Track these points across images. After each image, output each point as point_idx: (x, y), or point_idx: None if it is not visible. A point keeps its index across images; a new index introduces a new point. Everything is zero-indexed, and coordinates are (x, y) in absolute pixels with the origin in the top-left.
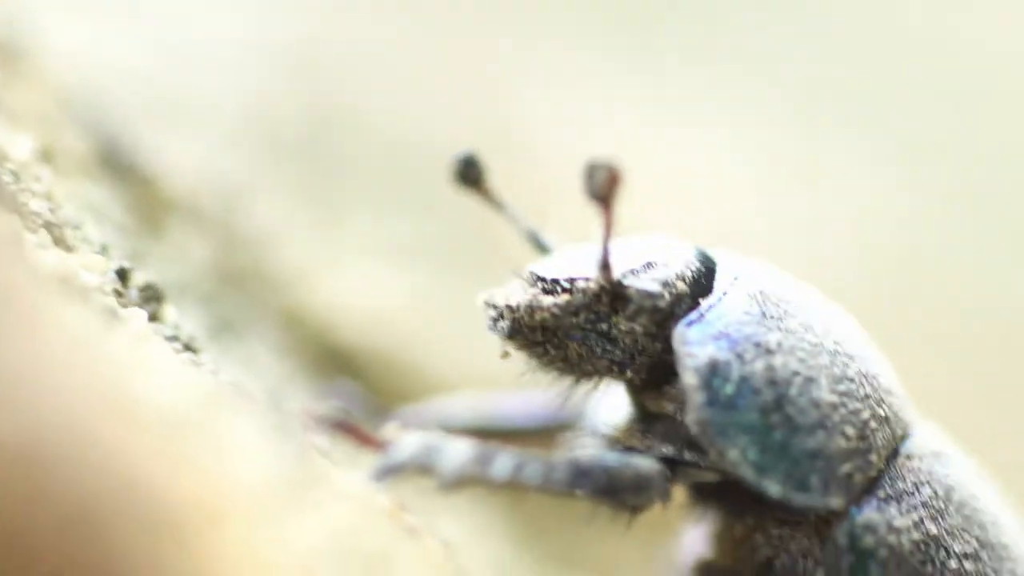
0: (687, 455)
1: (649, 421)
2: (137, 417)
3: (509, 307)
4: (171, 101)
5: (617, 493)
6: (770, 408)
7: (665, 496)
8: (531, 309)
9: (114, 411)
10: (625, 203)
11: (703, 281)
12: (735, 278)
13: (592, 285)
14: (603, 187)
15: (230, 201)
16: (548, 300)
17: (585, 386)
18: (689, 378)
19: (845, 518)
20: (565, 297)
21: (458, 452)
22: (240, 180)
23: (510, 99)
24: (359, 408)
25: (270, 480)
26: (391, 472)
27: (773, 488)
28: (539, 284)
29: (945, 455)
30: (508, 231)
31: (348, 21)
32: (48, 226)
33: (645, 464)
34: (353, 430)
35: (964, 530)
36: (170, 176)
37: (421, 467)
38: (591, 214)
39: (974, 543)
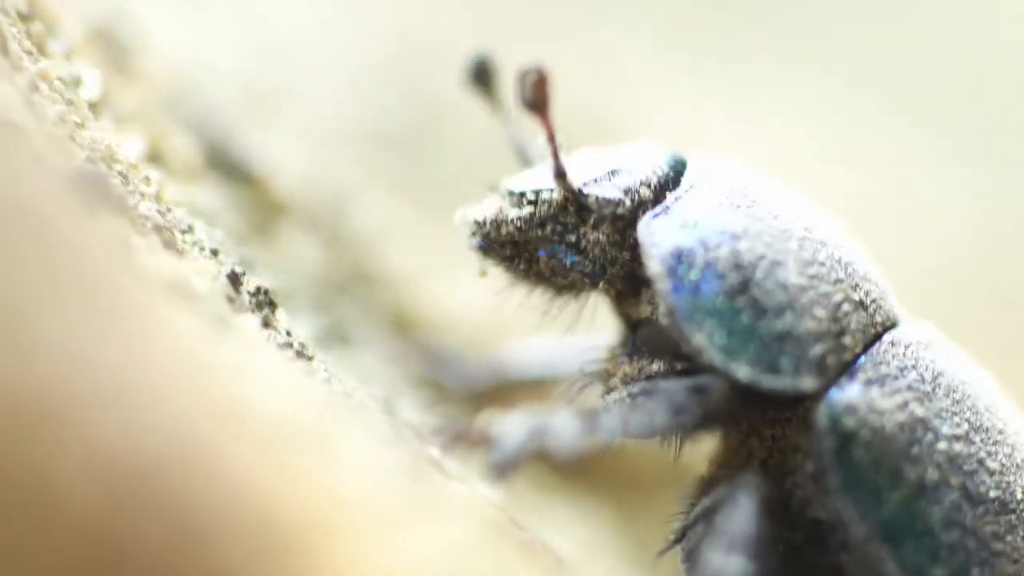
0: (678, 365)
1: (634, 336)
2: (249, 428)
3: (477, 222)
4: (274, 99)
5: (711, 419)
6: (736, 291)
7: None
8: (497, 223)
9: (226, 421)
10: None
11: (670, 183)
12: (702, 174)
13: (556, 196)
14: (533, 91)
15: (338, 201)
16: (514, 213)
17: (566, 302)
18: (655, 267)
19: (825, 400)
20: (529, 209)
21: (565, 425)
22: (347, 179)
23: (604, 89)
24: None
25: (383, 494)
26: (507, 466)
27: (742, 371)
28: (508, 198)
29: (934, 344)
30: None
31: (448, 13)
32: (158, 229)
33: (709, 379)
34: (463, 435)
35: (954, 413)
36: (277, 177)
37: (534, 452)
38: None
39: (965, 426)
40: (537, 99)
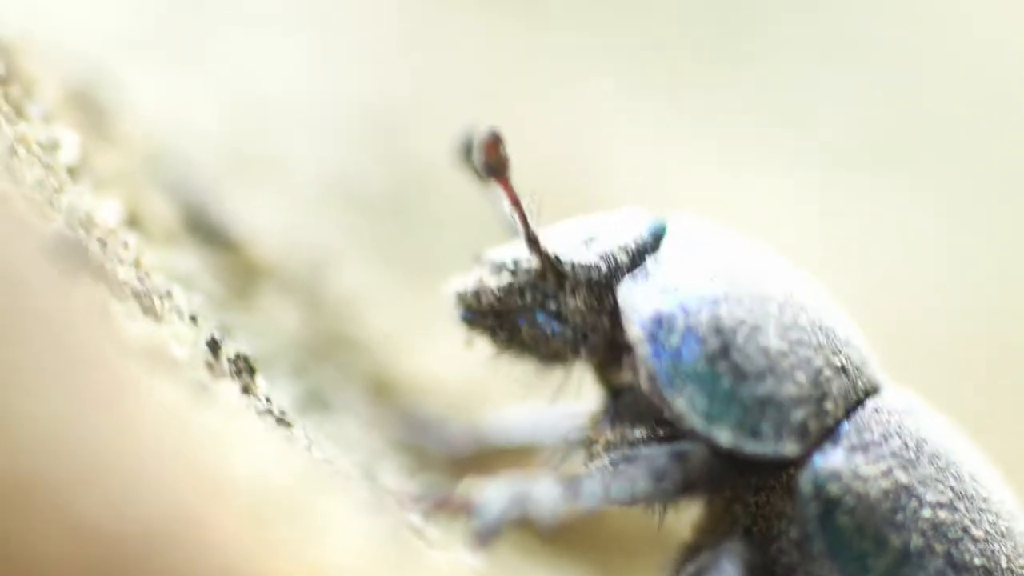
0: (660, 431)
1: (616, 403)
2: (230, 498)
3: (459, 293)
4: (255, 161)
5: (693, 485)
6: (716, 356)
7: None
8: (477, 293)
9: (207, 492)
10: None
11: (649, 248)
12: (682, 238)
13: (533, 264)
14: (486, 154)
15: (318, 265)
16: (493, 282)
17: (551, 371)
18: (635, 332)
19: (808, 466)
20: (508, 278)
21: (547, 492)
22: (326, 242)
23: (594, 153)
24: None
25: (366, 563)
26: (490, 534)
27: (724, 436)
28: (488, 267)
29: (917, 411)
30: None
31: (431, 76)
32: (137, 295)
33: (691, 445)
34: (444, 502)
35: (938, 480)
36: (257, 240)
37: (516, 519)
38: None
39: (949, 493)
40: (492, 162)
